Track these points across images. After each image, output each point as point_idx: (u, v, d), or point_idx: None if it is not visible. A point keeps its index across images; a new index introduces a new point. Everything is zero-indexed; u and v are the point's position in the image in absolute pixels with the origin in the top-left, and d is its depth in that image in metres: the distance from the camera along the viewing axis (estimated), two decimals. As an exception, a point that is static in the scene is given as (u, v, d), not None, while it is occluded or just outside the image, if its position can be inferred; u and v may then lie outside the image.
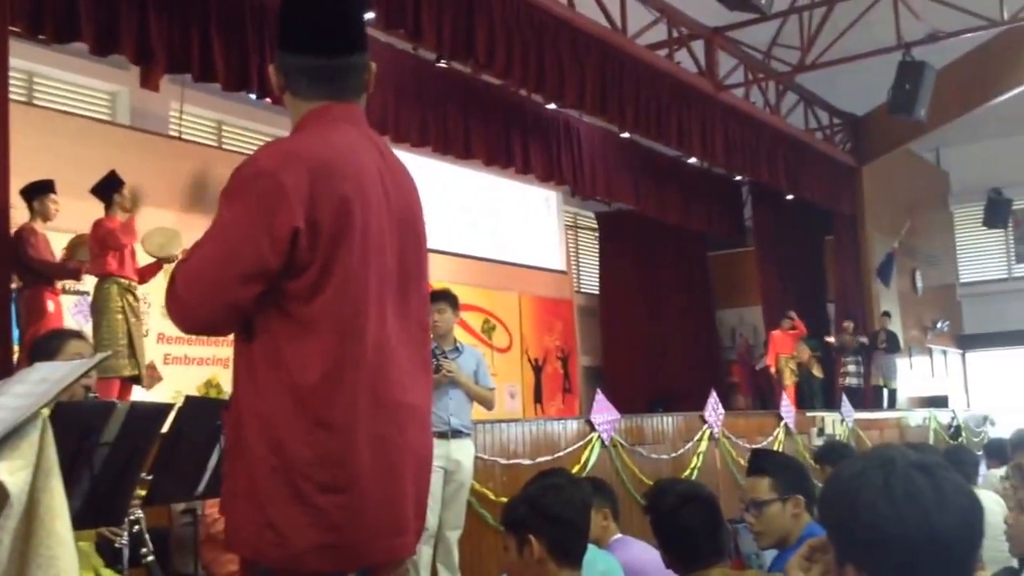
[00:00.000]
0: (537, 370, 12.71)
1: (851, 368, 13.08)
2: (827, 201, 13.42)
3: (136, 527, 3.49)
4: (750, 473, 3.05)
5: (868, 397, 13.02)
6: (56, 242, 6.34)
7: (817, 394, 12.82)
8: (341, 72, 1.98)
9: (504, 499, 6.11)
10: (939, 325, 15.53)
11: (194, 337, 8.57)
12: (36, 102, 8.50)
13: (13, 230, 5.40)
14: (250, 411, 1.83)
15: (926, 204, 15.99)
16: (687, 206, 13.29)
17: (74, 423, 2.70)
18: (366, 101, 2.08)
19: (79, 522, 2.79)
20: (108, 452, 2.79)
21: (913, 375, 14.45)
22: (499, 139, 9.92)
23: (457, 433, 5.24)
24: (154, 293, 7.83)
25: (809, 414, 10.59)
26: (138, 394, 6.42)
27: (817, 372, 13.09)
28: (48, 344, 3.37)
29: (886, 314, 13.48)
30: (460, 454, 5.26)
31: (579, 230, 15.59)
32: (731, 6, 8.68)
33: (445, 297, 5.34)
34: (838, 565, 1.32)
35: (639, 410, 9.12)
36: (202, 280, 1.83)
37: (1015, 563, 3.47)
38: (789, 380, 12.39)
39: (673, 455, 8.07)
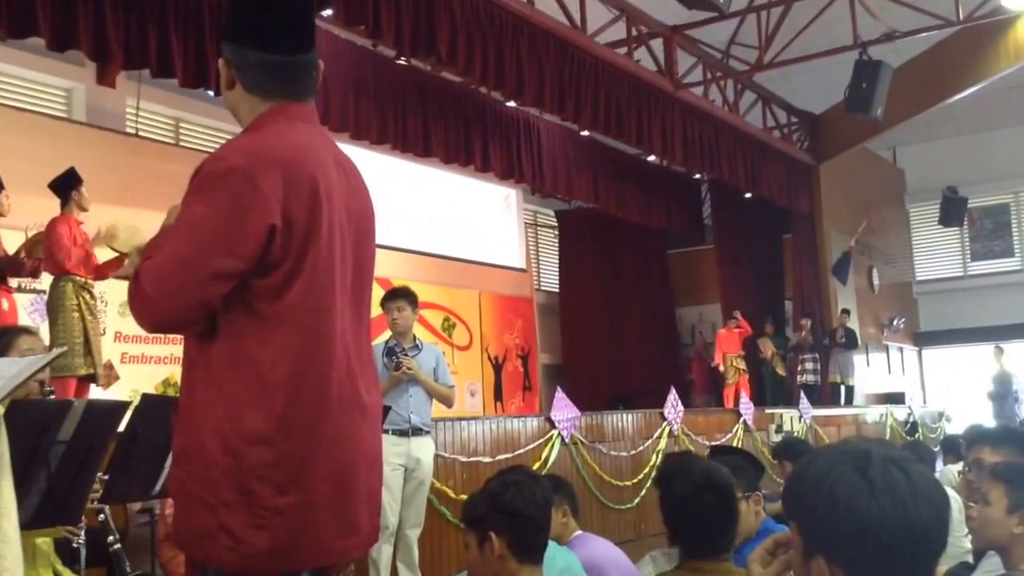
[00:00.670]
0: (497, 368, 12.73)
1: (808, 365, 13.24)
2: (785, 199, 13.57)
3: (100, 516, 3.46)
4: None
5: (825, 394, 13.18)
6: (9, 239, 6.24)
7: (779, 391, 12.98)
8: (299, 70, 1.96)
9: (465, 497, 6.11)
10: (895, 322, 15.76)
11: (151, 336, 8.51)
12: (-11, 98, 8.36)
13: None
14: (205, 412, 1.80)
15: (883, 202, 16.21)
16: (647, 204, 13.37)
17: (30, 421, 2.67)
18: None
19: (36, 521, 2.76)
20: (64, 450, 2.77)
21: (870, 372, 14.65)
22: (458, 137, 9.91)
23: (417, 431, 5.24)
24: (111, 291, 7.76)
25: (767, 411, 10.70)
26: (95, 393, 6.33)
27: (780, 370, 13.25)
28: None
29: (845, 312, 13.65)
30: (420, 452, 5.26)
31: (539, 228, 15.62)
32: (689, 5, 8.76)
33: (404, 295, 5.34)
34: (805, 558, 1.33)
35: (599, 407, 9.18)
36: (172, 278, 1.78)
37: (970, 558, 3.54)
38: (732, 379, 12.51)
39: (633, 452, 8.12)
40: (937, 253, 17.29)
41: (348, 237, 1.92)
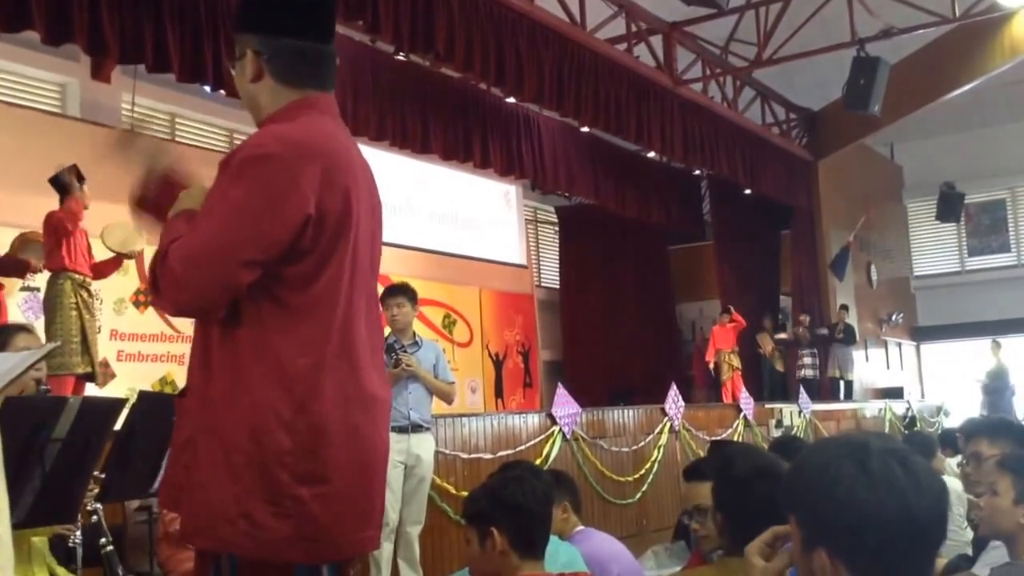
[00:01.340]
0: (498, 364, 12.70)
1: (807, 360, 13.27)
2: (784, 195, 13.56)
3: (94, 517, 3.43)
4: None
5: (824, 389, 13.19)
6: (6, 236, 6.20)
7: (778, 387, 12.97)
8: (327, 59, 1.97)
9: (466, 493, 6.08)
10: (894, 318, 15.77)
11: (148, 334, 8.48)
12: (-17, 94, 8.31)
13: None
14: (227, 399, 1.78)
15: (881, 198, 16.22)
16: (647, 200, 13.35)
17: (24, 418, 2.63)
18: None
19: (31, 520, 2.73)
20: (60, 448, 2.74)
21: (869, 367, 14.66)
22: (458, 133, 9.86)
23: (417, 427, 5.22)
24: (107, 289, 7.71)
25: (767, 406, 10.69)
26: (92, 391, 6.29)
27: (779, 365, 13.24)
28: None
29: (844, 307, 13.67)
30: (420, 448, 5.23)
31: (539, 224, 15.60)
32: (689, 1, 8.73)
33: (404, 291, 5.32)
34: (805, 550, 1.32)
35: (600, 404, 9.15)
36: (205, 260, 1.75)
37: (970, 550, 3.52)
38: (727, 375, 12.50)
39: (634, 448, 8.10)
40: (935, 249, 17.31)
41: (367, 233, 1.94)
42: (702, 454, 7.79)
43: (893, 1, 10.31)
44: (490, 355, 12.59)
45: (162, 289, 1.80)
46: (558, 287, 15.30)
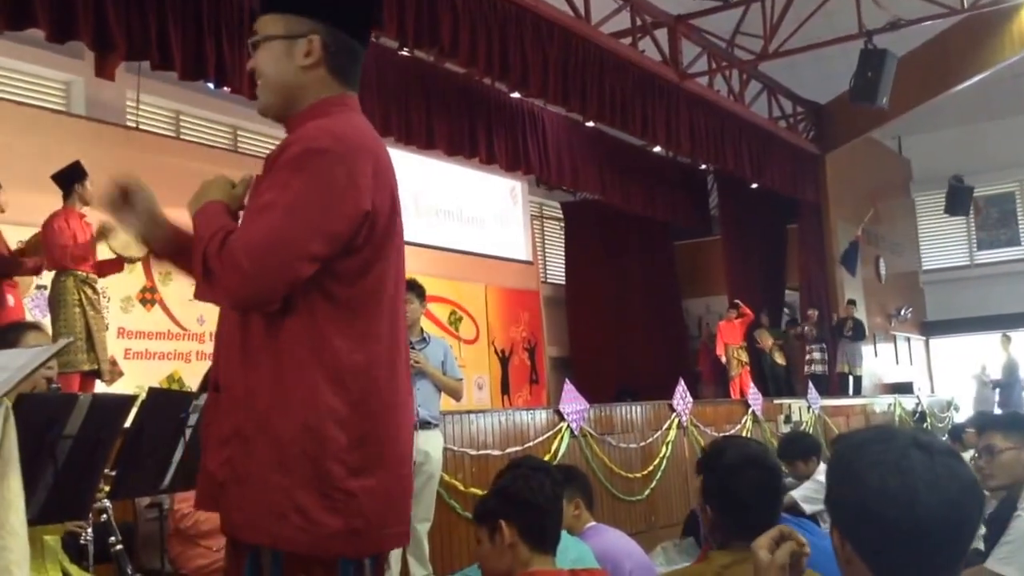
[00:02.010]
0: (504, 361, 12.67)
1: (816, 355, 13.21)
2: (791, 189, 13.50)
3: (104, 515, 3.42)
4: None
5: (833, 384, 13.13)
6: (12, 235, 6.19)
7: (781, 381, 12.92)
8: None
9: (474, 490, 6.07)
10: (903, 312, 15.70)
11: (155, 332, 8.46)
12: (-12, 92, 8.30)
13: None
14: (278, 392, 1.77)
15: (889, 192, 16.15)
16: (652, 195, 13.31)
17: (36, 415, 2.62)
18: None
19: (43, 516, 2.72)
20: (71, 445, 2.74)
21: (878, 362, 14.60)
22: (462, 129, 9.83)
23: (425, 424, 5.18)
24: (113, 287, 7.69)
25: (776, 401, 10.65)
26: (99, 389, 6.27)
27: (779, 360, 13.18)
28: (5, 336, 3.31)
29: (851, 302, 13.60)
30: (429, 445, 5.20)
31: (544, 220, 15.56)
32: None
33: (412, 287, 5.28)
34: (833, 533, 1.32)
35: (606, 400, 9.10)
36: (272, 253, 1.73)
37: (981, 545, 3.48)
38: (736, 370, 12.45)
39: (642, 444, 8.06)
40: (943, 242, 17.23)
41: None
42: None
43: (900, -8, 10.26)
44: (496, 352, 12.56)
45: (222, 281, 1.77)
46: (564, 283, 15.26)
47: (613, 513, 7.25)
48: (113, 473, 3.30)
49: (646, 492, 7.87)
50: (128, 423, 3.22)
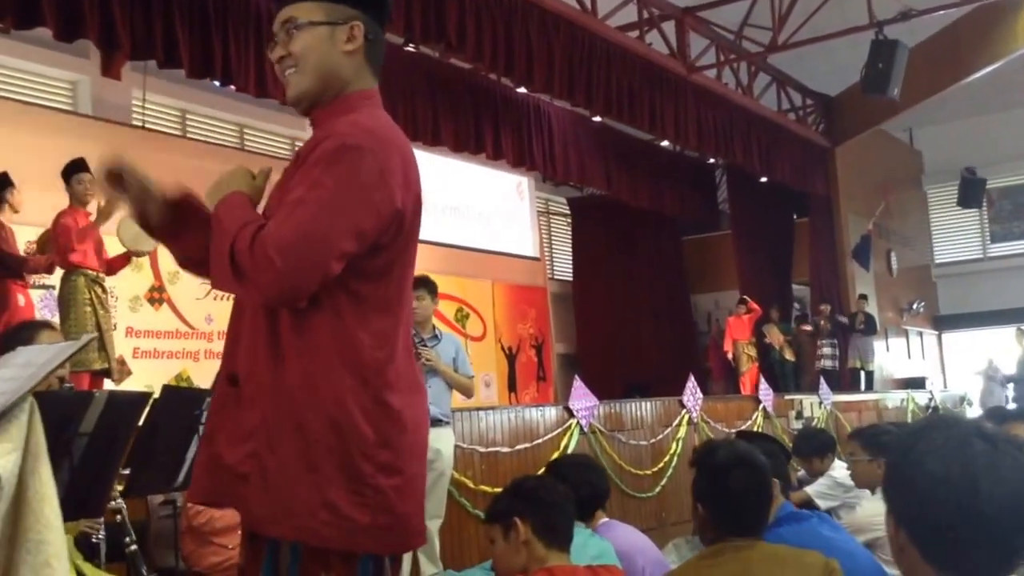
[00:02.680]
0: (511, 358, 12.62)
1: (827, 351, 13.12)
2: (801, 183, 13.42)
3: (118, 516, 3.41)
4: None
5: (844, 379, 13.04)
6: (20, 235, 6.19)
7: (790, 377, 12.85)
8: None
9: (483, 487, 6.04)
10: (915, 306, 15.59)
11: (164, 331, 8.45)
12: (-5, 92, 8.30)
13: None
14: (306, 388, 1.77)
15: (900, 184, 16.03)
16: (660, 190, 13.24)
17: (52, 413, 2.61)
18: None
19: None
20: (87, 443, 2.73)
21: (890, 357, 14.51)
22: (468, 125, 9.80)
23: (436, 421, 5.13)
24: (121, 287, 7.69)
25: (787, 397, 10.57)
26: (108, 388, 6.26)
27: (789, 355, 13.11)
28: (20, 335, 3.30)
29: (863, 297, 13.51)
30: (440, 443, 5.17)
31: (551, 216, 15.50)
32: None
33: (424, 284, 5.25)
34: (888, 520, 1.29)
35: (615, 396, 9.06)
36: (305, 250, 1.72)
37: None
38: (745, 366, 12.38)
39: (652, 441, 8.01)
40: (956, 235, 17.12)
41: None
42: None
43: (911, -18, 10.17)
44: (503, 349, 12.51)
45: (253, 277, 1.74)
46: (571, 279, 15.21)
47: (623, 510, 7.20)
48: (127, 471, 3.29)
49: (657, 489, 7.82)
50: (141, 421, 3.22)
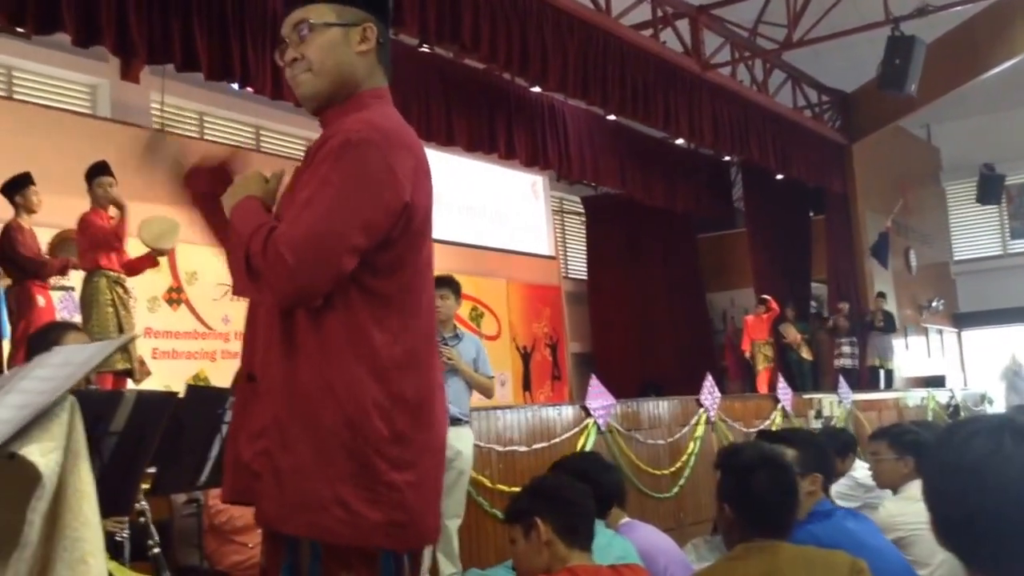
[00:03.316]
0: (525, 357, 12.61)
1: (846, 349, 13.03)
2: (818, 180, 13.35)
3: (142, 518, 3.44)
4: (778, 441, 3.01)
5: (863, 378, 12.97)
6: (40, 237, 6.24)
7: (807, 376, 12.78)
8: None
9: (501, 486, 6.04)
10: (934, 304, 15.48)
11: (181, 332, 8.50)
12: (16, 96, 8.36)
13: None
14: (320, 386, 1.78)
15: (918, 181, 15.92)
16: (674, 188, 13.20)
17: (83, 412, 2.64)
18: None
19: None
20: (116, 441, 2.73)
21: (909, 355, 14.41)
22: (482, 124, 9.80)
23: (456, 421, 5.15)
24: (140, 288, 7.74)
25: (806, 396, 10.51)
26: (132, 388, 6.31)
27: (806, 354, 13.05)
28: (47, 336, 3.34)
29: (881, 295, 13.42)
30: (460, 442, 5.17)
31: (565, 215, 15.49)
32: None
33: (448, 283, 5.26)
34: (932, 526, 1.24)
35: (630, 395, 9.06)
36: (315, 248, 1.73)
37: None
38: (762, 365, 12.33)
39: (669, 440, 7.99)
40: (975, 232, 16.98)
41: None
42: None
43: (928, -22, 10.10)
44: (518, 348, 12.51)
45: (267, 279, 1.76)
46: (585, 278, 15.19)
47: (642, 510, 7.18)
48: (152, 470, 3.31)
49: (674, 489, 7.80)
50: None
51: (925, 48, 10.42)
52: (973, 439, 1.18)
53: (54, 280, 6.55)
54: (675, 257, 15.18)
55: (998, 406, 13.71)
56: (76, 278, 6.18)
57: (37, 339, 3.40)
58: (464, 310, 11.59)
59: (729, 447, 2.70)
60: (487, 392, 5.46)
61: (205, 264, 8.11)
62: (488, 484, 6.01)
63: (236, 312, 8.36)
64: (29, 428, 1.59)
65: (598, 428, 7.14)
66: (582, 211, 15.52)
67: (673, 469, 7.88)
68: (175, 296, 8.49)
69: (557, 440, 6.73)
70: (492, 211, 12.56)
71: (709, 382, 8.66)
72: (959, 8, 10.70)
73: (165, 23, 6.42)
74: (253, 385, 1.86)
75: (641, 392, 11.41)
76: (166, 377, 7.90)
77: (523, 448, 6.42)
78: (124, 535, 3.35)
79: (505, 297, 12.41)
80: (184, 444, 3.38)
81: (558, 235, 14.45)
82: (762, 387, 11.88)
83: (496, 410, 6.54)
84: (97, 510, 1.68)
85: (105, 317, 5.79)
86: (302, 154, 1.97)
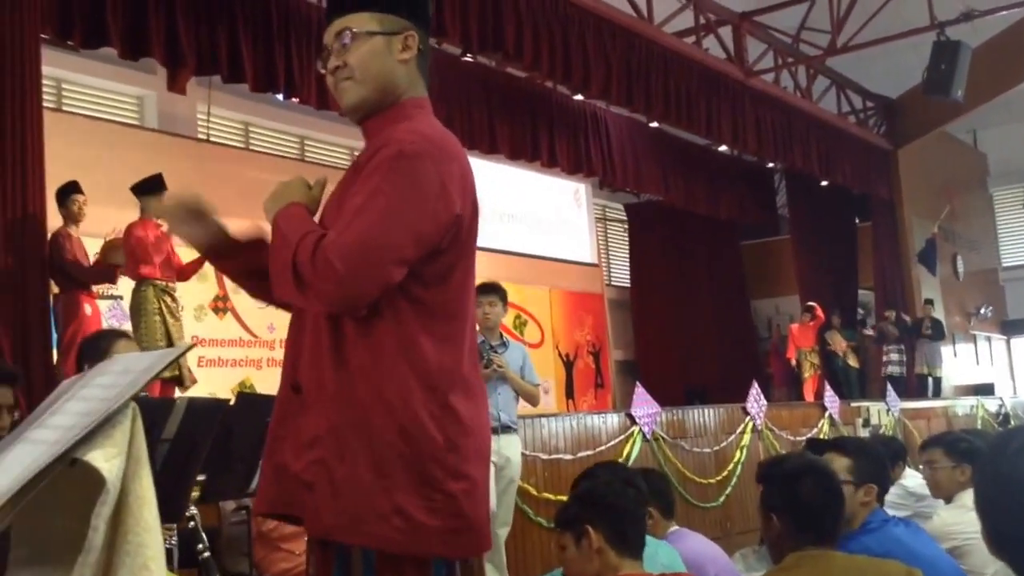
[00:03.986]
0: (568, 365, 12.59)
1: (893, 357, 12.85)
2: (862, 186, 13.20)
3: (191, 523, 3.46)
4: (830, 449, 2.99)
5: (911, 386, 12.77)
6: (89, 247, 6.34)
7: (854, 384, 12.61)
8: None
9: (546, 495, 6.02)
10: (982, 311, 15.22)
11: (227, 340, 8.60)
12: (65, 108, 8.52)
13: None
14: (373, 396, 1.77)
15: (965, 187, 15.68)
16: (718, 195, 13.13)
17: None
18: None
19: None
20: (168, 448, 2.78)
21: (957, 363, 14.17)
22: (524, 132, 9.83)
23: (506, 428, 5.14)
24: (186, 296, 7.84)
25: (854, 404, 10.36)
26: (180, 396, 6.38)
27: (853, 362, 12.88)
28: (98, 343, 3.39)
29: (929, 302, 13.22)
30: (509, 450, 5.16)
31: (608, 222, 15.45)
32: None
33: (497, 290, 5.27)
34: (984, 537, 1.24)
35: (674, 403, 9.00)
36: (366, 257, 1.73)
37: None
38: (808, 373, 12.18)
39: (716, 448, 7.91)
40: (1023, 238, 16.65)
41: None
42: (787, 454, 7.56)
43: (974, -18, 9.96)
44: (560, 356, 12.49)
45: (315, 285, 1.75)
46: (628, 286, 15.13)
47: (688, 520, 7.11)
48: (202, 477, 3.34)
49: (721, 498, 7.72)
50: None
51: (971, 53, 10.26)
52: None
53: (102, 289, 6.64)
54: (719, 264, 15.08)
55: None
56: (125, 288, 6.26)
57: (89, 345, 3.45)
58: (508, 318, 11.59)
59: (769, 459, 2.68)
60: (533, 400, 5.45)
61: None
62: (533, 492, 6.00)
63: (281, 321, 8.37)
64: (92, 435, 1.60)
65: (643, 436, 7.10)
66: (625, 218, 15.48)
67: (719, 478, 7.80)
68: (221, 305, 8.59)
69: (602, 448, 6.70)
70: (535, 219, 12.57)
71: (755, 390, 8.57)
72: (1004, 12, 10.54)
73: (212, 34, 6.52)
74: (299, 396, 1.86)
75: (685, 400, 11.33)
76: (212, 385, 7.98)
77: (568, 456, 6.40)
78: (172, 542, 3.37)
79: (548, 305, 12.40)
80: (234, 451, 3.38)
81: (601, 242, 14.42)
82: (808, 395, 11.75)
83: (541, 418, 6.52)
84: (157, 516, 1.69)
85: (152, 326, 5.87)
86: (346, 163, 1.99)
